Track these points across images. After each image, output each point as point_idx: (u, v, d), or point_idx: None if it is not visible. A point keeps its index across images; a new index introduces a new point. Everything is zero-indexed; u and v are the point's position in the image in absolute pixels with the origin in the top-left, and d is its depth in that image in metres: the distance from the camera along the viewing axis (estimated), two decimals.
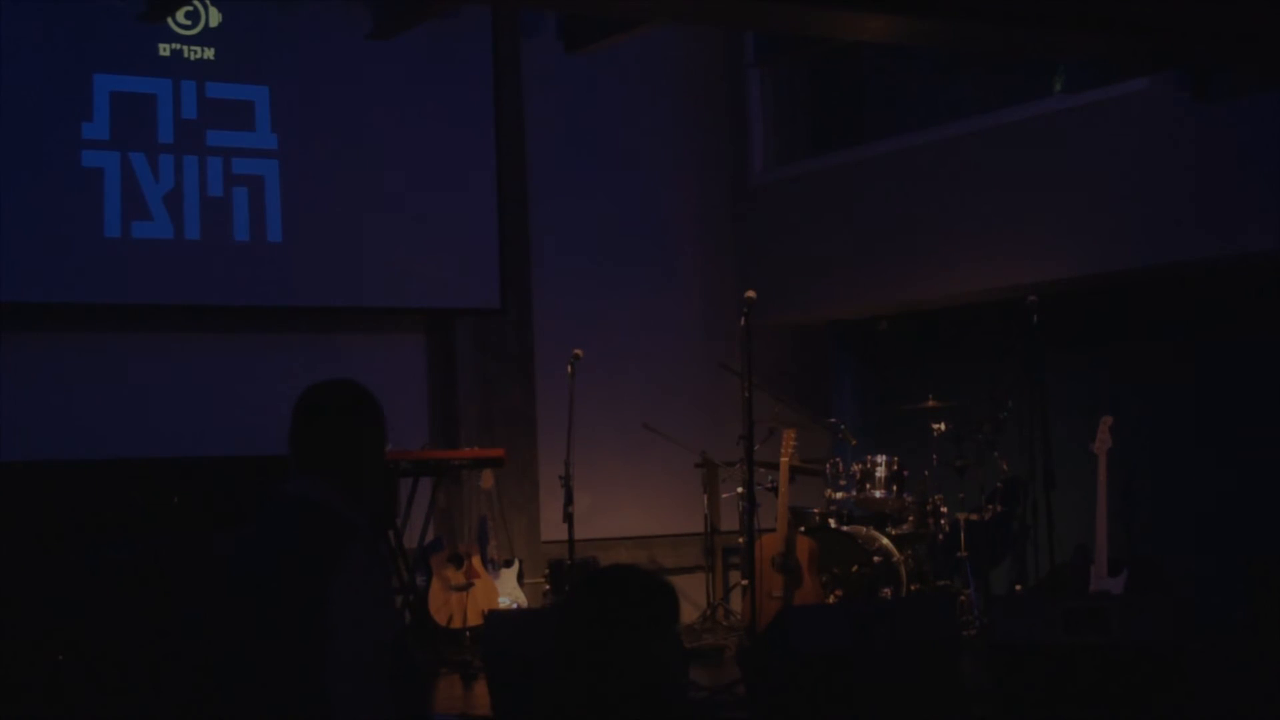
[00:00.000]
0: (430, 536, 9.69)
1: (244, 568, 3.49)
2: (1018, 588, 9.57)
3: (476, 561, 9.31)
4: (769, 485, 9.42)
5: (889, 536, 9.33)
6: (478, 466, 9.49)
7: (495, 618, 7.60)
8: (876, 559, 9.17)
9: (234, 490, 8.45)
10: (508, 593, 9.40)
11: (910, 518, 9.47)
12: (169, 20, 9.30)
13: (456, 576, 9.22)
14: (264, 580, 3.42)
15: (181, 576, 7.81)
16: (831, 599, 9.06)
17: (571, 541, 9.29)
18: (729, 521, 10.27)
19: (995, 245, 9.64)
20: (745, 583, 9.02)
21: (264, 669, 3.36)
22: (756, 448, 8.35)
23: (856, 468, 9.55)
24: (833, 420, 10.28)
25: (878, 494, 9.49)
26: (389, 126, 9.90)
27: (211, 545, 7.71)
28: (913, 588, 9.19)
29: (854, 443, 10.00)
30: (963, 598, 9.19)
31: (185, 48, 9.38)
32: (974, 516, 9.46)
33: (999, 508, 9.58)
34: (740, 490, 8.84)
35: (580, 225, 10.79)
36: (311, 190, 9.68)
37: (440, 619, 9.11)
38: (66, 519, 8.10)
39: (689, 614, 10.19)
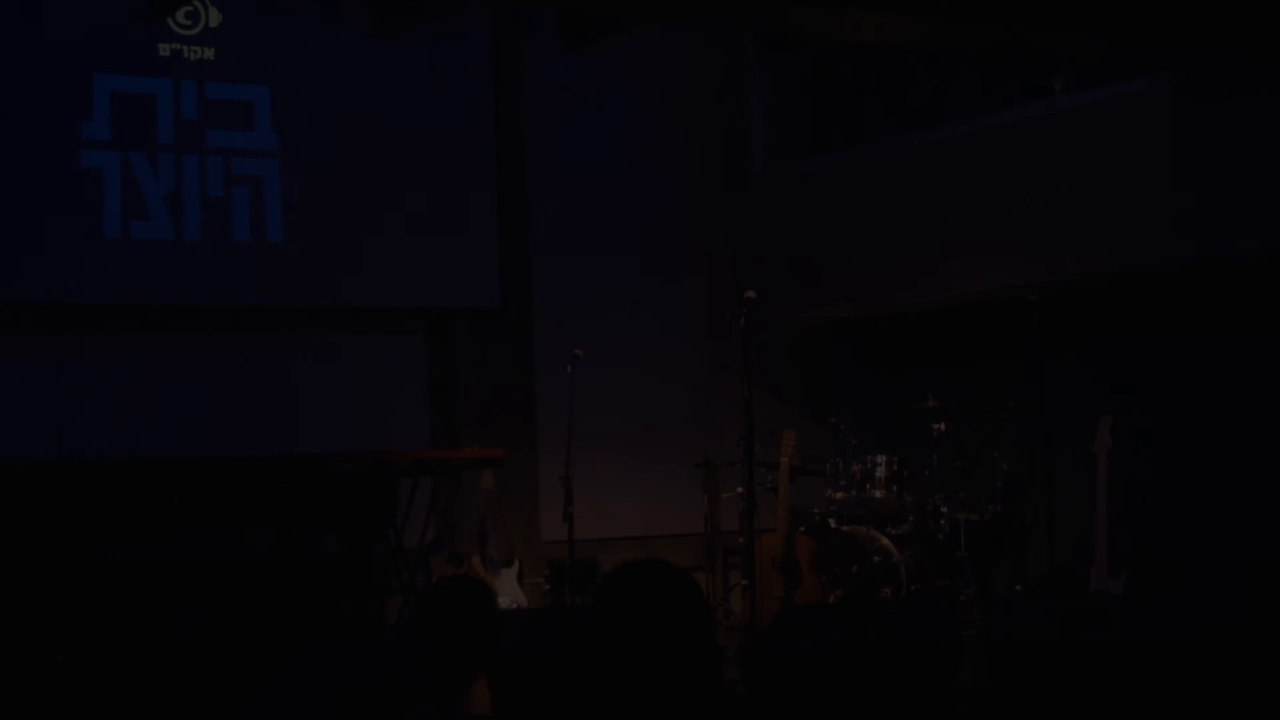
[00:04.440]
0: (430, 536, 9.68)
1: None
2: (1018, 588, 9.56)
3: (476, 561, 9.30)
4: (769, 485, 9.42)
5: (889, 536, 9.32)
6: (478, 466, 9.48)
7: None
8: (876, 559, 9.16)
9: (234, 490, 8.45)
10: (508, 593, 9.40)
11: (910, 518, 9.46)
12: (169, 20, 9.30)
13: None
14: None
15: (181, 577, 7.81)
16: (831, 599, 9.05)
17: (571, 541, 9.28)
18: (729, 521, 10.27)
19: (995, 245, 9.63)
20: (745, 583, 9.02)
21: None
22: (756, 448, 8.34)
23: (856, 468, 9.55)
24: (833, 420, 10.28)
25: (878, 494, 9.48)
26: (389, 126, 9.90)
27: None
28: (913, 588, 9.18)
29: (854, 443, 9.99)
30: (963, 598, 9.18)
31: (185, 48, 9.38)
32: (974, 516, 9.44)
33: (999, 508, 9.57)
34: (740, 490, 8.84)
35: (580, 225, 10.77)
36: (311, 190, 9.68)
37: None
38: (66, 519, 8.10)
39: None
